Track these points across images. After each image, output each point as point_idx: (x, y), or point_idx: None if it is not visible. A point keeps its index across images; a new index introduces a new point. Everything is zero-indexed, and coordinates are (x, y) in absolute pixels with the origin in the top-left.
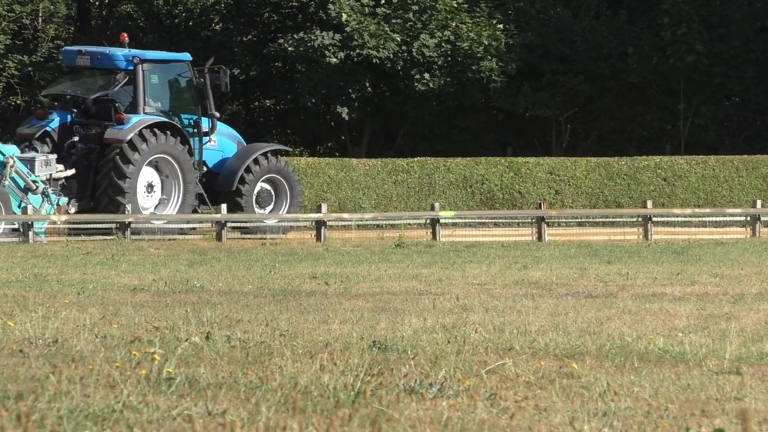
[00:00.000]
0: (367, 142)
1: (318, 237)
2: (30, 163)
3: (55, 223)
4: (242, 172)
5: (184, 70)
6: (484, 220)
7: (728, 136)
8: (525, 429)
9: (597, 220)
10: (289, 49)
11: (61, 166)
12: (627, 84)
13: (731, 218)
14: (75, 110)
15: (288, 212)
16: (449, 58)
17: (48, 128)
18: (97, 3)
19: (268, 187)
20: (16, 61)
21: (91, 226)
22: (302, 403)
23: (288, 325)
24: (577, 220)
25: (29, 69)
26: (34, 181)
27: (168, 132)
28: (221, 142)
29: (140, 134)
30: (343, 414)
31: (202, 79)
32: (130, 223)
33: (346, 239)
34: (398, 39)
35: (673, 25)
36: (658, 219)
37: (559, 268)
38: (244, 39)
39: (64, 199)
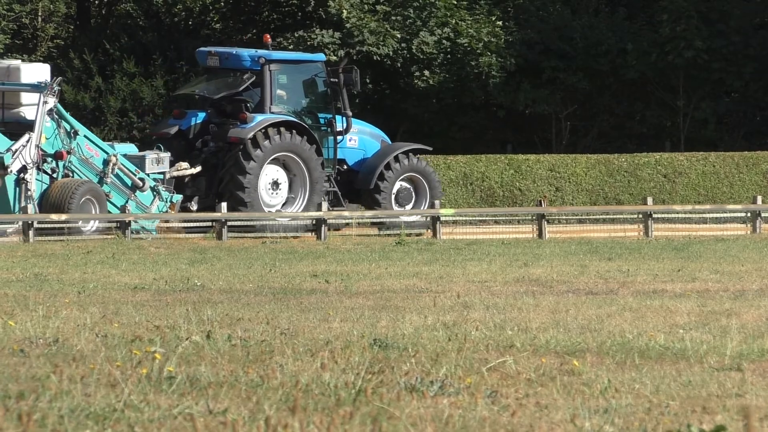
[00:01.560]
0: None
1: (318, 236)
2: (140, 161)
3: (170, 220)
4: (381, 171)
5: (317, 71)
6: (484, 218)
7: (728, 132)
8: (526, 426)
9: (597, 217)
10: (289, 47)
11: (185, 164)
12: (626, 80)
13: (731, 215)
14: (209, 110)
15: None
16: (449, 55)
17: (182, 127)
18: (96, 2)
19: (407, 185)
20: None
21: (198, 225)
22: (303, 402)
23: (289, 323)
24: (577, 217)
25: None
26: (142, 179)
27: (294, 131)
28: (363, 140)
29: (264, 133)
30: (344, 412)
31: (336, 79)
32: (129, 222)
33: (346, 237)
34: (398, 36)
35: (672, 21)
36: (659, 216)
37: (560, 265)
38: (244, 38)
39: (177, 197)
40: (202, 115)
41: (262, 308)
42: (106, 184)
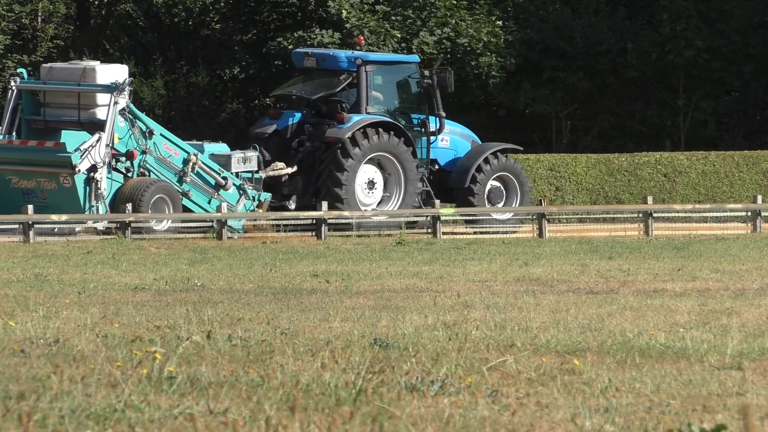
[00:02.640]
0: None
1: (318, 235)
2: (226, 160)
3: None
4: (474, 171)
5: (412, 72)
6: (485, 217)
7: (728, 131)
8: (527, 426)
9: (597, 216)
10: (289, 47)
11: (282, 164)
12: (626, 80)
13: (732, 214)
14: (305, 110)
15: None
16: (449, 55)
17: (279, 127)
18: (96, 2)
19: (498, 184)
20: (16, 60)
21: (292, 222)
22: (304, 401)
23: (289, 323)
24: (577, 216)
25: (29, 69)
26: (225, 178)
27: (389, 131)
28: (454, 141)
29: (361, 132)
30: (345, 412)
31: (429, 80)
32: (130, 222)
33: (346, 237)
34: (398, 36)
35: (672, 20)
36: (659, 215)
37: (560, 264)
38: (244, 38)
39: (265, 195)
40: (298, 116)
41: (263, 308)
42: (186, 182)
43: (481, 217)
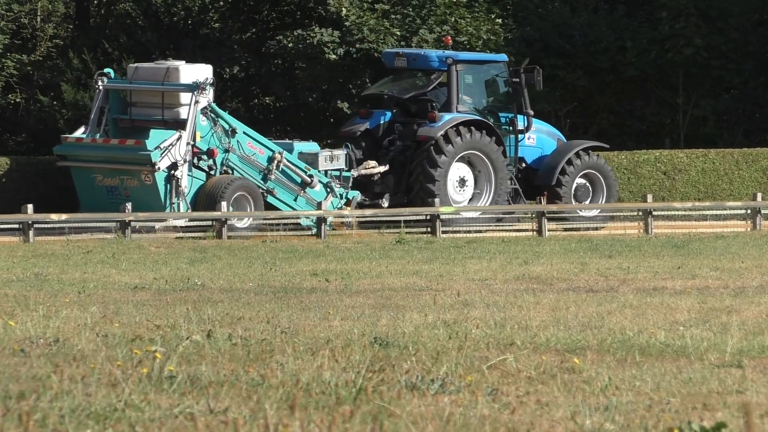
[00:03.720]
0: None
1: (318, 234)
2: (313, 159)
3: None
4: (561, 168)
5: (500, 70)
6: (484, 216)
7: (727, 129)
8: (527, 424)
9: (597, 214)
10: (289, 45)
11: (373, 162)
12: (626, 78)
13: (731, 211)
14: (395, 109)
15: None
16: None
17: (370, 126)
18: (95, 2)
19: (585, 182)
20: (15, 60)
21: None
22: (304, 400)
23: (289, 322)
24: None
25: (28, 68)
26: (311, 176)
27: (480, 129)
28: (540, 139)
29: (452, 131)
30: (345, 411)
31: (518, 79)
32: (129, 221)
33: (346, 236)
34: (398, 34)
35: (671, 18)
36: (659, 213)
37: (560, 262)
38: (243, 37)
39: (353, 193)
40: (388, 115)
41: (263, 307)
42: (270, 180)
43: (568, 215)
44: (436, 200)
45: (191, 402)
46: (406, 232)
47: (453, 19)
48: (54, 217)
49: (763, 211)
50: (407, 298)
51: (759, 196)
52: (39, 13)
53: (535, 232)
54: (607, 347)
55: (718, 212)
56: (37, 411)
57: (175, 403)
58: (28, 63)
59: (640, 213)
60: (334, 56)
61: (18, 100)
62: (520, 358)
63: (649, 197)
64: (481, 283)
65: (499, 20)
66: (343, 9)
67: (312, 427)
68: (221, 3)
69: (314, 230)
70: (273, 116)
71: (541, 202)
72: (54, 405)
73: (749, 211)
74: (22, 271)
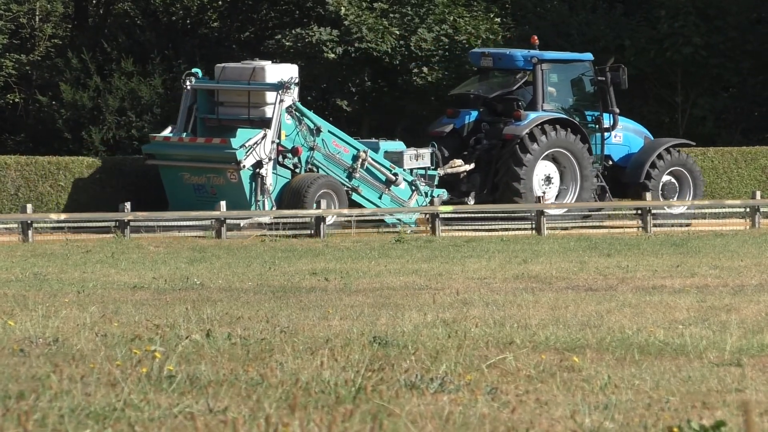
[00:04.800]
0: (366, 137)
1: (317, 233)
2: (398, 157)
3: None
4: (648, 166)
5: (586, 69)
6: (483, 215)
7: (726, 127)
8: (526, 423)
9: (596, 213)
10: (287, 44)
11: (460, 161)
12: None
13: (730, 210)
14: (482, 108)
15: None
16: (447, 52)
17: (456, 126)
18: (94, 1)
19: (672, 179)
20: (14, 60)
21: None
22: (303, 400)
23: (288, 321)
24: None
25: (27, 68)
26: (396, 174)
27: (565, 128)
28: (627, 137)
29: (539, 129)
30: (345, 410)
31: (603, 77)
32: (128, 221)
33: (345, 235)
34: (396, 33)
35: (670, 17)
36: (657, 211)
37: (559, 261)
38: (242, 36)
39: (438, 191)
40: (474, 114)
41: (262, 306)
42: (355, 178)
43: (656, 212)
44: (520, 198)
45: (190, 401)
46: (502, 229)
47: (452, 18)
48: (53, 216)
49: (762, 209)
50: (406, 297)
51: (758, 194)
52: (38, 13)
53: (533, 231)
54: (606, 346)
55: (717, 210)
56: (36, 411)
57: (174, 402)
58: (26, 63)
59: (639, 211)
60: (332, 55)
61: (17, 100)
62: (519, 356)
63: (648, 195)
64: (481, 281)
65: (498, 19)
66: (342, 8)
67: (311, 427)
68: (220, 2)
69: (407, 228)
70: None
71: (540, 201)
72: (53, 405)
73: (748, 210)
74: (21, 270)
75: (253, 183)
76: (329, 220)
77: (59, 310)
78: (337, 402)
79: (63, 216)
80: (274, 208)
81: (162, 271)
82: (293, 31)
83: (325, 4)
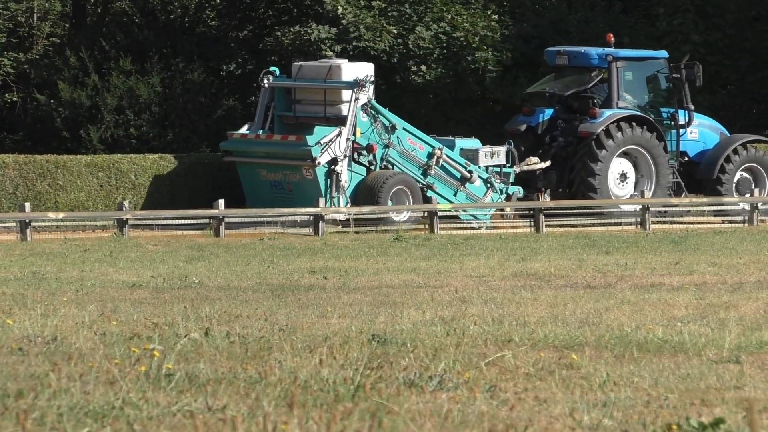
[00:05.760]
0: None
1: (315, 231)
2: (473, 155)
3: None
4: (722, 162)
5: (661, 67)
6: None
7: (724, 125)
8: (525, 420)
9: (595, 210)
10: (286, 42)
11: (535, 159)
12: None
13: (729, 207)
14: (557, 106)
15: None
16: (445, 50)
17: (532, 124)
18: (92, 0)
19: (747, 175)
20: (12, 58)
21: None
22: (302, 398)
23: (287, 319)
24: (575, 211)
25: (25, 66)
26: (471, 172)
27: (641, 125)
28: (703, 133)
29: (614, 126)
30: (343, 408)
31: (678, 75)
32: (127, 219)
33: (343, 233)
34: (394, 31)
35: (668, 15)
36: (656, 209)
37: (558, 259)
38: (240, 34)
39: (513, 188)
40: (549, 112)
41: (261, 305)
42: (430, 175)
43: (728, 208)
44: (595, 194)
45: (189, 400)
46: (557, 225)
47: (449, 16)
48: (51, 215)
49: (760, 207)
50: (405, 295)
51: (756, 192)
52: (36, 12)
53: (532, 228)
54: (605, 343)
55: (716, 208)
56: (35, 409)
57: (173, 401)
58: (24, 61)
59: (638, 209)
60: (331, 53)
61: (15, 98)
62: (518, 354)
63: (647, 193)
64: (479, 279)
65: (496, 16)
66: (339, 8)
67: (310, 425)
68: (218, 1)
69: (482, 225)
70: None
71: (538, 198)
72: (52, 403)
73: (747, 207)
74: (20, 269)
75: (328, 180)
76: (403, 216)
77: (58, 309)
78: (336, 400)
79: (61, 215)
80: (349, 205)
81: (160, 269)
82: (291, 29)
83: (322, 3)
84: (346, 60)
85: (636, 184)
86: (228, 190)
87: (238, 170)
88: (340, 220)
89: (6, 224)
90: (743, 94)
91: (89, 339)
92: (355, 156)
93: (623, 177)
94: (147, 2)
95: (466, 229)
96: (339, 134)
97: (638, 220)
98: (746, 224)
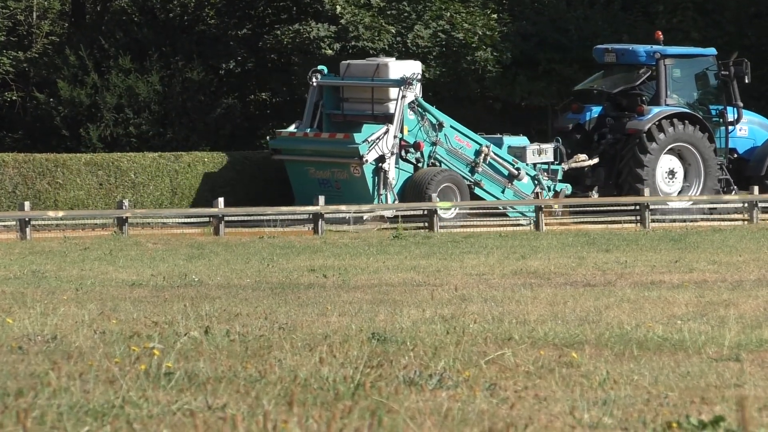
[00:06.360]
0: None
1: (315, 230)
2: (521, 152)
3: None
4: None
5: (709, 64)
6: (482, 211)
7: None
8: (525, 419)
9: (594, 208)
10: (285, 41)
11: (584, 156)
12: None
13: (729, 205)
14: (606, 103)
15: None
16: (444, 49)
17: (580, 121)
18: None
19: None
20: (11, 57)
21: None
22: (302, 396)
23: (287, 318)
24: (574, 209)
25: (24, 65)
26: (518, 169)
27: (689, 122)
28: (753, 130)
29: (659, 124)
30: (343, 406)
31: (727, 72)
32: (127, 218)
33: (343, 231)
34: (393, 30)
35: (668, 12)
36: (656, 207)
37: (557, 257)
38: (239, 33)
39: (561, 185)
40: (597, 109)
41: (260, 303)
42: (477, 173)
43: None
44: (645, 191)
45: (189, 398)
46: (611, 221)
47: (448, 15)
48: (51, 213)
49: (760, 205)
50: (405, 293)
51: (756, 189)
52: (35, 10)
53: (532, 226)
54: (605, 341)
55: (716, 206)
56: (35, 408)
57: (173, 399)
58: (24, 60)
59: (637, 207)
60: (330, 51)
61: (14, 97)
62: (518, 352)
63: (646, 191)
64: (479, 278)
65: (495, 15)
66: (338, 7)
67: (310, 423)
68: None
69: (528, 221)
70: (269, 111)
71: (537, 196)
72: (52, 402)
73: (746, 205)
74: (20, 268)
75: (376, 177)
76: (450, 213)
77: (57, 308)
78: (335, 398)
79: (61, 213)
80: (396, 202)
81: (160, 268)
82: (291, 28)
83: (321, 1)
84: (394, 58)
85: (684, 180)
86: (279, 187)
87: (286, 168)
88: (387, 217)
89: (5, 223)
90: (742, 92)
91: (89, 338)
92: (403, 153)
93: (671, 174)
94: (146, 1)
95: (466, 227)
96: (386, 132)
97: (686, 216)
98: None
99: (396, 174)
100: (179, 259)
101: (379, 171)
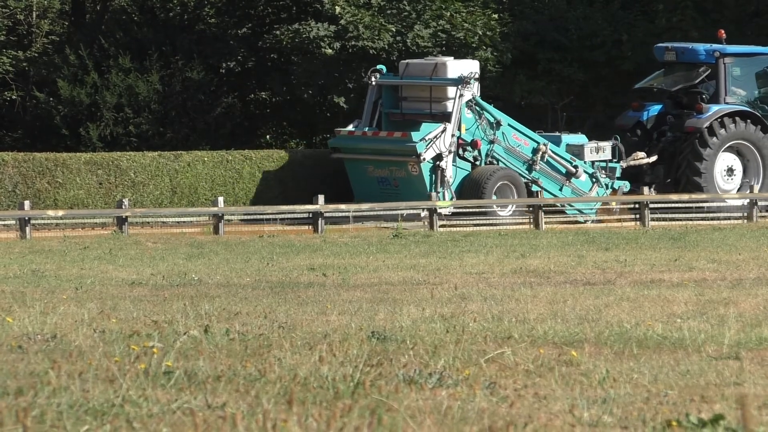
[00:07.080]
0: None
1: (315, 229)
2: (579, 150)
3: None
4: None
5: None
6: (482, 209)
7: None
8: (525, 417)
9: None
10: (285, 40)
11: (642, 154)
12: (622, 71)
13: (729, 203)
14: (666, 101)
15: None
16: (444, 48)
17: (641, 119)
18: None
19: None
20: (11, 56)
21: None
22: (302, 395)
23: (286, 317)
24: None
25: (24, 64)
26: (576, 167)
27: (748, 120)
28: None
29: (718, 122)
30: (343, 405)
31: None
32: (126, 217)
33: (343, 230)
34: (393, 30)
35: (667, 11)
36: (655, 205)
37: (557, 256)
38: (239, 32)
39: (619, 183)
40: (657, 107)
41: (260, 302)
42: (535, 171)
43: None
44: (702, 185)
45: (189, 397)
46: (653, 218)
47: (448, 14)
48: (51, 213)
49: (760, 203)
50: (404, 292)
51: (756, 188)
52: (35, 9)
53: (531, 225)
54: (604, 340)
55: (715, 204)
56: (34, 407)
57: (172, 398)
58: (24, 59)
59: (636, 205)
60: (330, 51)
61: (14, 96)
62: (517, 351)
63: (645, 190)
64: (479, 276)
65: (495, 15)
66: (338, 7)
67: (310, 422)
68: None
69: (588, 219)
70: (269, 111)
71: (537, 195)
72: (52, 401)
73: (746, 203)
74: (19, 267)
75: (434, 175)
76: (507, 210)
77: (57, 307)
78: (335, 397)
79: (61, 212)
80: (454, 200)
81: (160, 267)
82: (290, 27)
83: (321, 3)
84: (452, 57)
85: (743, 178)
86: (330, 184)
87: (346, 167)
88: (445, 214)
89: (5, 222)
90: None
91: (89, 337)
92: (460, 152)
93: (730, 171)
94: (146, 0)
95: (466, 226)
96: (444, 130)
97: (745, 214)
98: None
99: (453, 172)
100: (179, 258)
101: (436, 169)
